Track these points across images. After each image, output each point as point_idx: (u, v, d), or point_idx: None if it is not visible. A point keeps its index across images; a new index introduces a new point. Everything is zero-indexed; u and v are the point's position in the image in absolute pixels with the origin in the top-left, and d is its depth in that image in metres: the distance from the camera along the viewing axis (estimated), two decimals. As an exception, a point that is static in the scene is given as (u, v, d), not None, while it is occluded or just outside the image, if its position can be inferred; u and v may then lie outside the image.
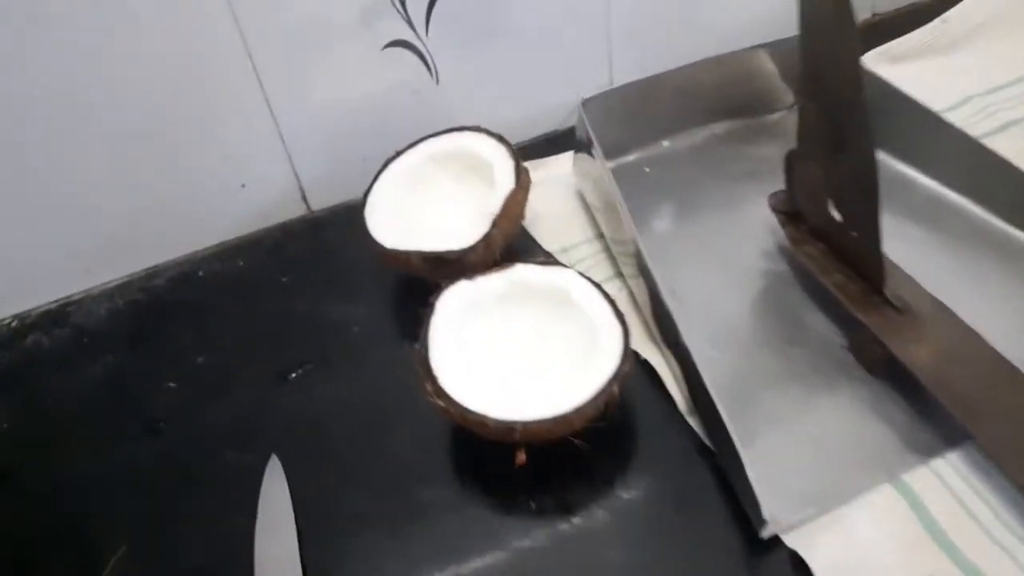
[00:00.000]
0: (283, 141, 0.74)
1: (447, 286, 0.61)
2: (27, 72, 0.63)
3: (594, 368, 0.55)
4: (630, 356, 0.55)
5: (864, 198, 0.54)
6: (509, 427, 0.52)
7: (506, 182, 0.67)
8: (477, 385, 0.55)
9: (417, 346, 0.57)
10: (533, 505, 0.55)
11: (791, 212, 0.65)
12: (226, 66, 0.68)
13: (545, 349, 0.60)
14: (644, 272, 0.61)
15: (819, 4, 0.52)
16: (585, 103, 0.69)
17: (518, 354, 0.61)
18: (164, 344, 0.70)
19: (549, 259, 0.69)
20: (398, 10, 0.71)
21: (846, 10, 0.49)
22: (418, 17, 0.72)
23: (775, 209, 0.67)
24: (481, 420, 0.52)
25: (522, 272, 0.61)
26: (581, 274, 0.60)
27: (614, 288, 0.68)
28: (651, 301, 0.62)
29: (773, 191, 0.68)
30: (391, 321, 0.69)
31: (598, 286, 0.60)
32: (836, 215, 0.59)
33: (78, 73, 0.64)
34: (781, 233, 0.67)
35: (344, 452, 0.60)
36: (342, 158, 0.77)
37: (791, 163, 0.63)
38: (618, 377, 0.54)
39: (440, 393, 0.54)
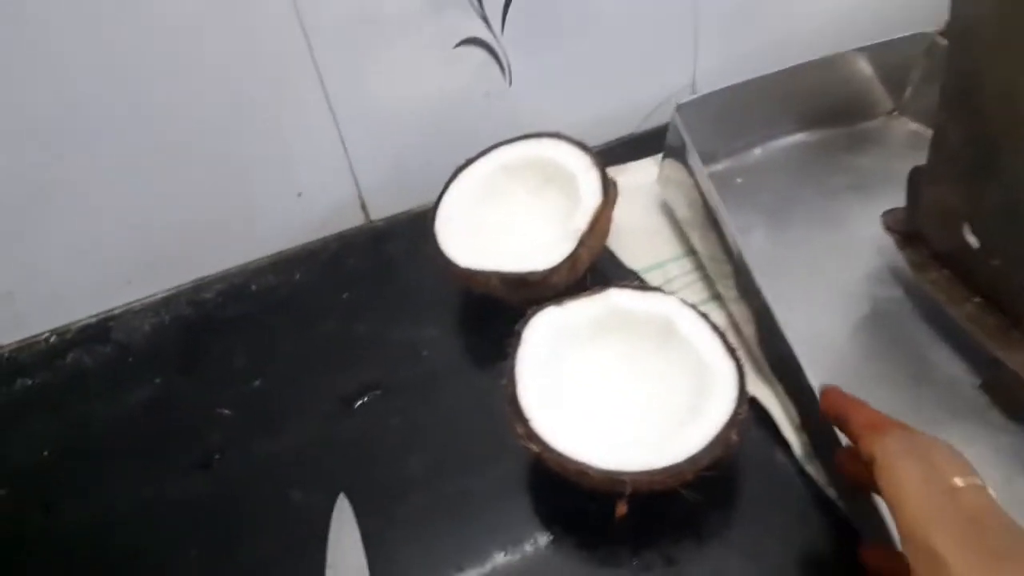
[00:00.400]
0: (344, 144, 0.68)
1: (534, 312, 0.55)
2: (70, 71, 0.57)
3: (705, 410, 0.49)
4: (746, 398, 0.49)
5: (1016, 226, 0.48)
6: (616, 479, 0.46)
7: (592, 196, 0.60)
8: (573, 426, 0.49)
9: (503, 381, 0.51)
10: (635, 561, 0.49)
11: (910, 233, 0.59)
12: (286, 64, 0.62)
13: (646, 384, 0.54)
14: (751, 295, 0.55)
15: (980, 6, 0.45)
16: (680, 108, 0.62)
17: (616, 389, 0.55)
18: (215, 366, 0.64)
19: (642, 282, 0.63)
20: (473, 5, 0.65)
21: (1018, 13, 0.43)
22: (494, 13, 0.66)
23: (890, 229, 0.60)
24: (582, 469, 0.46)
25: (618, 298, 0.55)
26: (684, 302, 0.54)
27: (709, 312, 0.62)
28: (759, 328, 0.56)
29: (884, 208, 0.62)
30: (464, 345, 0.63)
31: (704, 316, 0.54)
32: (972, 240, 0.53)
33: (122, 71, 0.58)
34: (892, 254, 0.61)
35: (421, 492, 0.54)
36: (405, 164, 0.72)
37: (917, 182, 0.57)
38: (735, 422, 0.48)
39: (532, 436, 0.48)
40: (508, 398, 0.50)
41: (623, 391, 0.54)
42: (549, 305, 0.55)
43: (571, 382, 0.53)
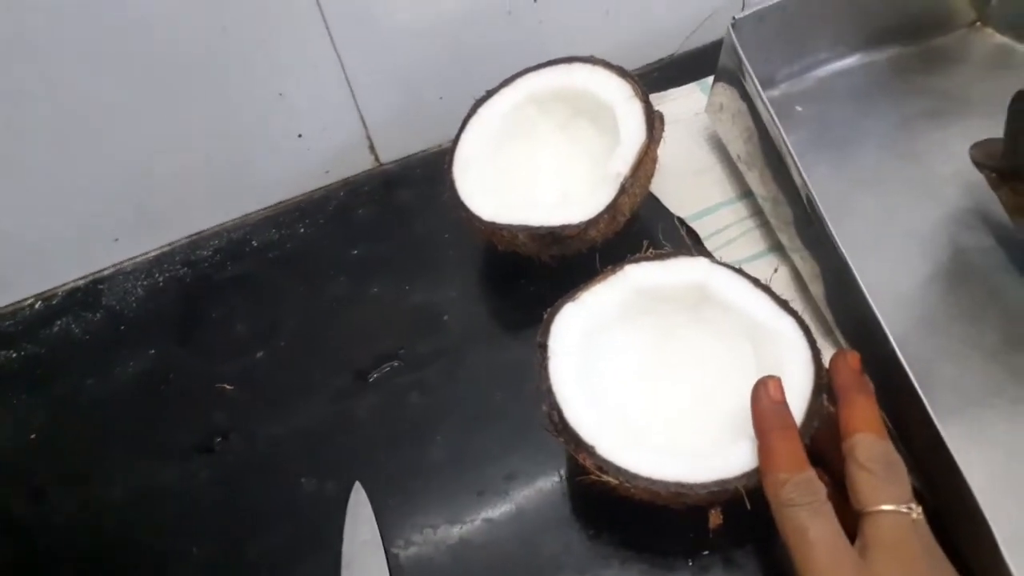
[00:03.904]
0: (345, 74, 0.60)
1: (551, 318, 0.45)
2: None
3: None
4: (820, 355, 0.43)
5: None
6: (723, 489, 0.39)
7: (635, 132, 0.52)
8: (639, 439, 0.42)
9: (545, 408, 0.42)
10: (691, 563, 0.43)
11: (1008, 170, 0.50)
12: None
13: (699, 363, 0.48)
14: (821, 246, 0.48)
15: None
16: (736, 24, 0.53)
17: (667, 378, 0.48)
18: (215, 334, 0.58)
19: (661, 246, 0.53)
20: (490, -93, 0.55)
21: None
22: (515, -84, 0.56)
23: (982, 165, 0.52)
24: (677, 491, 0.39)
25: (638, 275, 0.47)
26: (715, 260, 0.47)
27: (767, 265, 0.54)
28: (829, 285, 0.49)
29: (967, 138, 0.53)
30: (488, 309, 0.56)
31: (741, 272, 0.47)
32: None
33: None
34: (983, 195, 0.53)
35: (446, 479, 0.49)
36: (417, 97, 0.63)
37: (1019, 108, 0.48)
38: (822, 387, 0.42)
39: (606, 466, 0.40)
40: (557, 426, 0.42)
41: (676, 379, 0.48)
42: (564, 303, 0.46)
43: (616, 385, 0.46)
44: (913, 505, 0.37)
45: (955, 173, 0.55)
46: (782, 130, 0.50)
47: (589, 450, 0.40)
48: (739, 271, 0.47)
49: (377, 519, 0.47)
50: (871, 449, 0.38)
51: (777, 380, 0.41)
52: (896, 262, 0.53)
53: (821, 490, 0.37)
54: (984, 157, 0.52)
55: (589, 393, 0.43)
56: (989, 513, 0.38)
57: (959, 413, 0.45)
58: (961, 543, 0.40)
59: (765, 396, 0.40)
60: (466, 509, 0.47)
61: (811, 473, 0.38)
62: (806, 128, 0.60)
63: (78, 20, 0.50)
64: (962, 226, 0.54)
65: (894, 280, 0.51)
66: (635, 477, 0.39)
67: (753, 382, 0.41)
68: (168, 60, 0.54)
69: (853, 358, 0.42)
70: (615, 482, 0.39)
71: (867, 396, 0.41)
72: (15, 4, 0.48)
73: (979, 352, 0.48)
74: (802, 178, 0.48)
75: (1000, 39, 0.64)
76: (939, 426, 0.40)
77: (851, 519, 0.38)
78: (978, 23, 0.65)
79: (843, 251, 0.46)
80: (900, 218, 0.55)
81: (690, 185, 0.59)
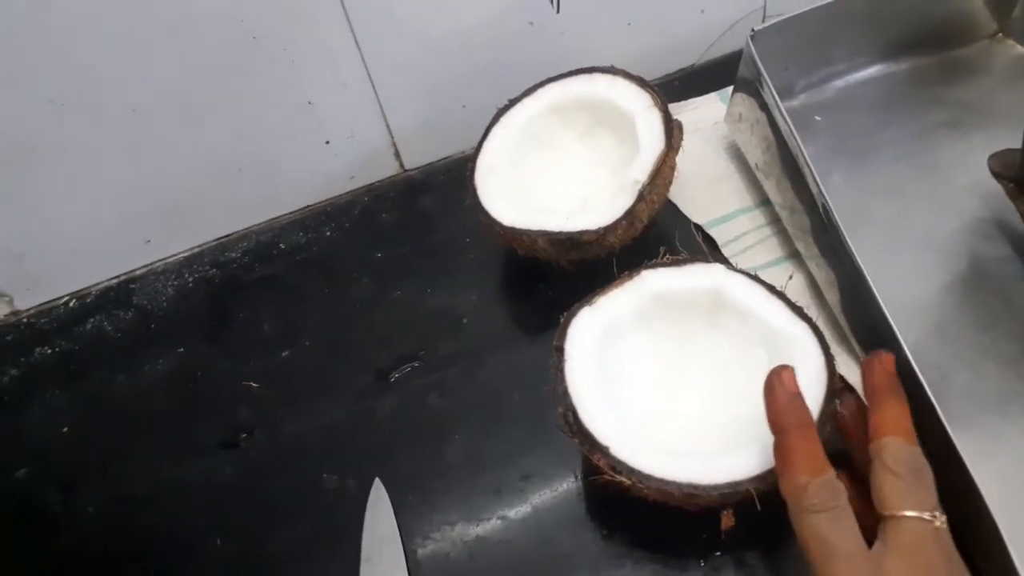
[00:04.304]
0: (372, 84, 0.62)
1: (568, 321, 0.47)
2: (68, 13, 0.51)
3: None
4: (834, 360, 0.43)
5: None
6: (735, 491, 0.40)
7: (653, 141, 0.53)
8: (654, 441, 0.43)
9: (561, 409, 0.43)
10: (703, 564, 0.44)
11: (1025, 180, 0.51)
12: (306, -3, 0.56)
13: (714, 367, 0.48)
14: (837, 255, 0.48)
15: None
16: (755, 35, 0.54)
17: (682, 381, 0.48)
18: (242, 334, 0.60)
19: (678, 252, 0.51)
20: (515, -80, 0.57)
21: None
22: (539, -71, 0.58)
23: (999, 175, 0.52)
24: (690, 491, 0.40)
25: (655, 281, 0.48)
26: (731, 267, 0.48)
27: (782, 272, 0.55)
28: (844, 293, 0.49)
29: (986, 149, 0.53)
30: (508, 312, 0.58)
31: (756, 278, 0.47)
32: (1106, 190, 0.45)
33: (125, 11, 0.52)
34: (1000, 205, 0.53)
35: (464, 478, 0.50)
36: (441, 105, 0.65)
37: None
38: (833, 391, 0.42)
39: (619, 466, 0.41)
40: (572, 427, 0.43)
41: (691, 383, 0.48)
42: (581, 307, 0.47)
43: (630, 388, 0.47)
44: (937, 513, 0.37)
45: (973, 184, 0.55)
46: (799, 140, 0.50)
47: (603, 451, 0.41)
48: (755, 278, 0.47)
49: (396, 516, 0.48)
50: (899, 453, 0.38)
51: (791, 370, 0.40)
52: (911, 271, 0.53)
53: (842, 493, 0.37)
54: (1002, 167, 0.52)
55: (604, 396, 0.44)
56: (1002, 523, 0.38)
57: (973, 422, 0.45)
58: (973, 554, 0.40)
59: (780, 386, 0.39)
60: (483, 507, 0.48)
61: (831, 474, 0.37)
62: (824, 138, 0.60)
63: (111, 29, 0.52)
64: (979, 236, 0.54)
65: (909, 289, 0.52)
66: (648, 478, 0.40)
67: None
68: (200, 68, 0.56)
69: (888, 360, 0.41)
70: (628, 482, 0.40)
71: (899, 399, 0.40)
72: (56, 21, 0.51)
73: (993, 361, 0.48)
74: (818, 187, 0.49)
75: (1021, 51, 0.64)
76: (952, 435, 0.40)
77: (870, 520, 0.37)
78: (999, 34, 0.65)
79: (858, 259, 0.46)
80: (916, 227, 0.55)
81: (708, 193, 0.60)
